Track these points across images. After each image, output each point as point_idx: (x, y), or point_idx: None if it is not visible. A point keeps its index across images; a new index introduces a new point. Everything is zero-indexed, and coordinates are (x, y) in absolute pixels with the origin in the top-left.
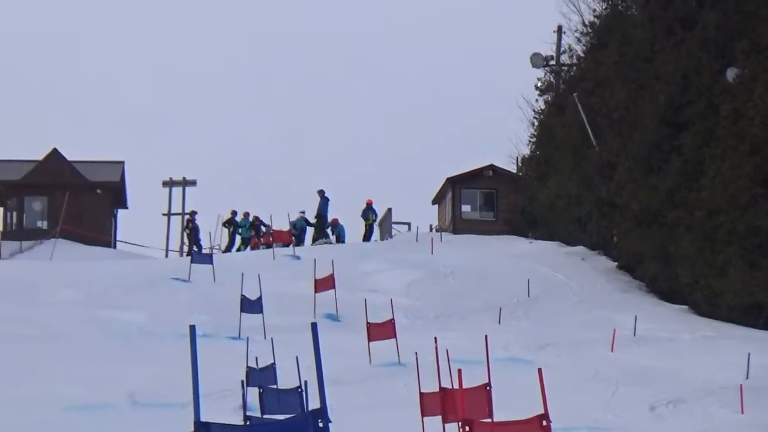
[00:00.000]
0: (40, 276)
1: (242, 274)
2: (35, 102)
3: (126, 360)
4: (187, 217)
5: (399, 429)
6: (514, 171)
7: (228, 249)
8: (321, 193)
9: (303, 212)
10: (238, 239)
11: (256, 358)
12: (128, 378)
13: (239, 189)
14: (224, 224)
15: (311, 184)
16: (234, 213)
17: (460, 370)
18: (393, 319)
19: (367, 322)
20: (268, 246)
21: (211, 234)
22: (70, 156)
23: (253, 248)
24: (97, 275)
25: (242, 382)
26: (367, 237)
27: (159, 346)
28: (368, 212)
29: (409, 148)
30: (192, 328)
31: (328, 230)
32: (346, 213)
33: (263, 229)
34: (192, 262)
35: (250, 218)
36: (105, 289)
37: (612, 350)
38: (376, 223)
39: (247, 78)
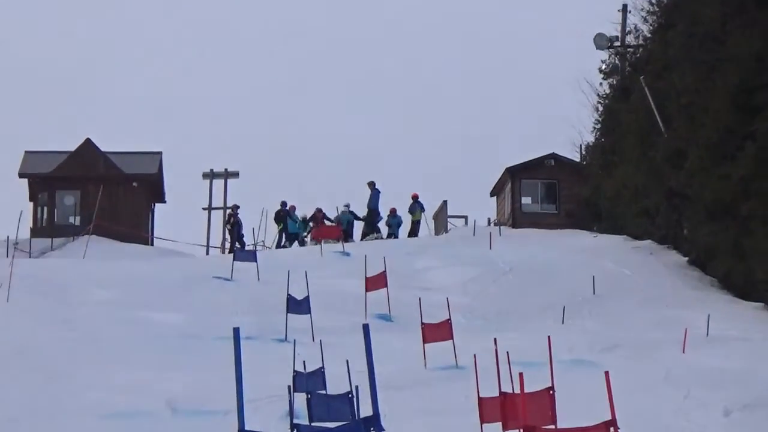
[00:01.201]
0: (73, 275)
1: (288, 272)
2: (67, 90)
3: (165, 365)
4: (229, 211)
5: None
6: (578, 160)
7: (281, 244)
8: (371, 185)
9: (347, 206)
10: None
11: (304, 362)
12: (167, 384)
13: (285, 181)
14: (276, 217)
15: (360, 175)
16: (284, 204)
17: (521, 374)
18: (449, 319)
19: (422, 323)
20: (317, 242)
21: (255, 230)
22: (104, 147)
23: (301, 244)
24: (134, 274)
25: (289, 387)
26: (413, 233)
27: (200, 349)
28: (415, 207)
29: (466, 136)
30: (236, 331)
31: (380, 224)
32: (393, 207)
33: (324, 222)
34: (235, 259)
35: (297, 212)
36: (142, 289)
37: (683, 351)
38: (424, 217)
39: (290, 62)
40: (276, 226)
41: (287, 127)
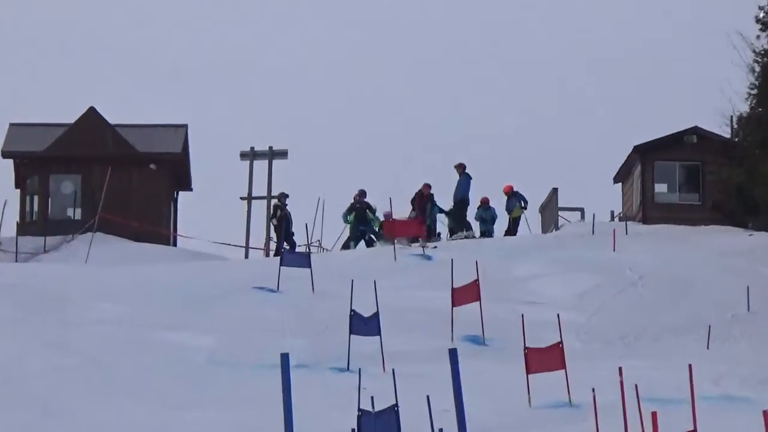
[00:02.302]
0: (73, 285)
1: (352, 281)
2: (64, 47)
3: (189, 401)
4: (275, 202)
5: None
6: (727, 135)
7: (348, 244)
8: (461, 168)
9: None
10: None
11: (372, 398)
12: (193, 426)
13: (346, 164)
14: (350, 210)
15: (441, 158)
16: (363, 195)
17: (654, 414)
18: (561, 342)
19: (525, 347)
20: (388, 241)
21: (308, 225)
22: (112, 118)
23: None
24: (150, 283)
25: (352, 431)
26: (511, 232)
27: (235, 381)
28: (513, 202)
29: (582, 106)
30: (284, 357)
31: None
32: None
33: (375, 220)
34: (282, 264)
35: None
36: (160, 302)
37: None
38: (524, 214)
39: (354, 17)
40: (345, 222)
41: (351, 98)
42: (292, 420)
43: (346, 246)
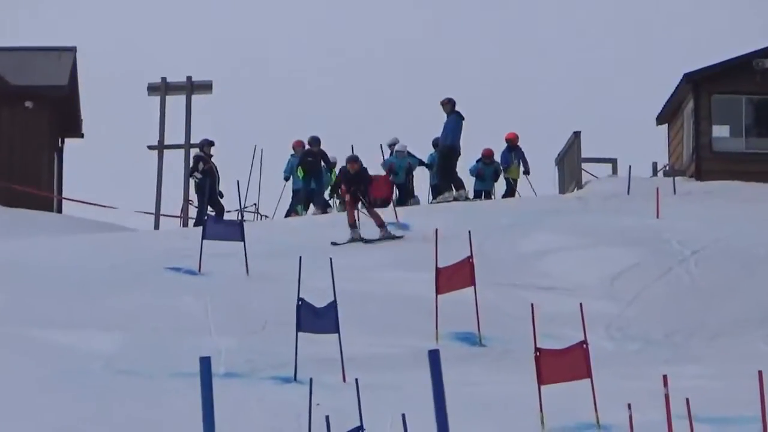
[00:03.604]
0: None
1: (300, 259)
2: None
3: (82, 422)
4: (195, 152)
5: None
6: None
7: (292, 211)
8: (449, 105)
9: (397, 143)
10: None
11: (327, 419)
12: None
13: (288, 100)
14: (301, 162)
15: (422, 92)
16: (316, 142)
17: None
18: (585, 341)
19: (536, 349)
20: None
21: (240, 183)
22: None
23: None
24: (29, 265)
25: None
26: (509, 193)
27: (142, 396)
28: (509, 156)
29: (610, 23)
30: (204, 363)
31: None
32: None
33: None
34: (205, 237)
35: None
36: (42, 290)
37: None
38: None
39: None
40: (295, 178)
41: (298, 7)
42: None
43: (291, 212)
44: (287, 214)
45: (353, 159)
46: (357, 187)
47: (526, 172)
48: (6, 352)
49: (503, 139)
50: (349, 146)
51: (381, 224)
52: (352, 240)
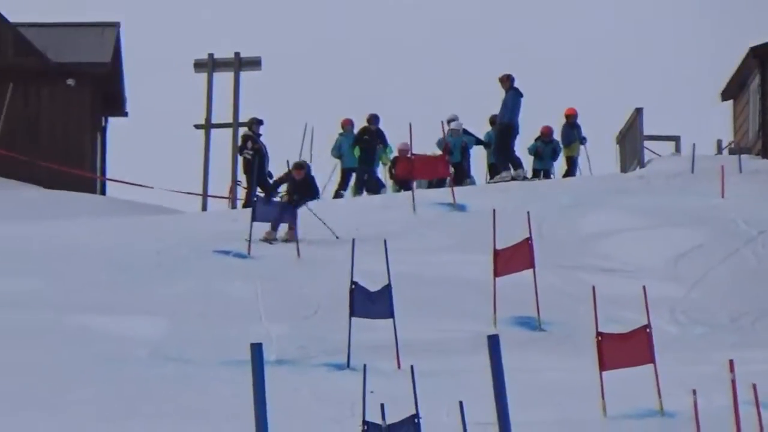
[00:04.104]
0: None
1: (353, 242)
2: None
3: (127, 411)
4: (244, 131)
5: None
6: None
7: (342, 188)
8: (507, 82)
9: (456, 121)
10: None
11: (382, 406)
12: None
13: (340, 76)
14: (356, 140)
15: (478, 71)
16: (375, 120)
17: None
18: (648, 325)
19: (598, 333)
20: (402, 185)
21: (290, 164)
22: (14, 15)
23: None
24: (69, 248)
25: None
26: (569, 173)
27: (193, 384)
28: (571, 133)
29: None
30: (256, 349)
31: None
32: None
33: (390, 152)
34: (255, 219)
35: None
36: (85, 275)
37: None
38: (584, 151)
39: None
40: (348, 157)
41: None
42: None
43: (339, 194)
44: (335, 195)
45: (299, 166)
46: (300, 195)
47: (584, 142)
48: (48, 339)
49: (562, 115)
50: (406, 124)
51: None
52: (266, 240)
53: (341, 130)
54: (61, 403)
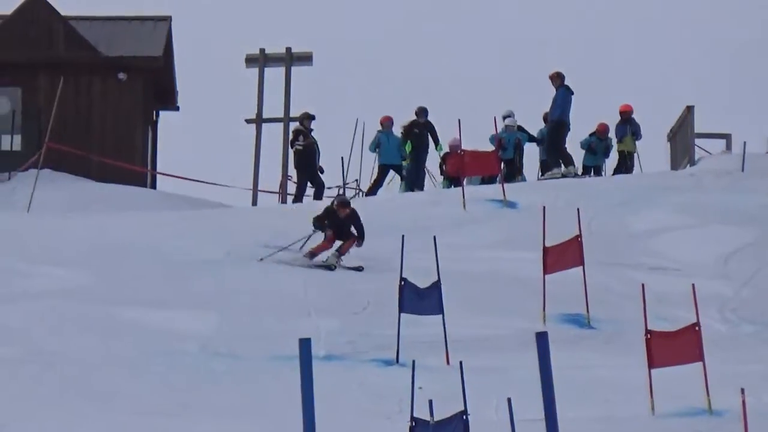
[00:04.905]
0: (10, 242)
1: (403, 237)
2: None
3: (177, 406)
4: (295, 125)
5: None
6: None
7: (379, 185)
8: (559, 79)
9: (511, 117)
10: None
11: (430, 402)
12: None
13: (391, 72)
14: (406, 133)
15: (528, 70)
16: (424, 113)
17: None
18: (697, 323)
19: (647, 331)
20: (453, 181)
21: (344, 159)
22: (65, 8)
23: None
24: (120, 242)
25: None
26: (624, 169)
27: (239, 379)
28: (625, 129)
29: None
30: (304, 344)
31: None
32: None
33: (441, 149)
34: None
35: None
36: (135, 269)
37: None
38: (638, 148)
39: None
40: (387, 152)
41: None
42: (314, 431)
43: (374, 191)
44: (369, 192)
45: (345, 204)
46: (341, 231)
47: (638, 137)
48: (96, 333)
49: (617, 112)
50: (455, 120)
51: (343, 253)
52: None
53: (380, 127)
54: (112, 396)
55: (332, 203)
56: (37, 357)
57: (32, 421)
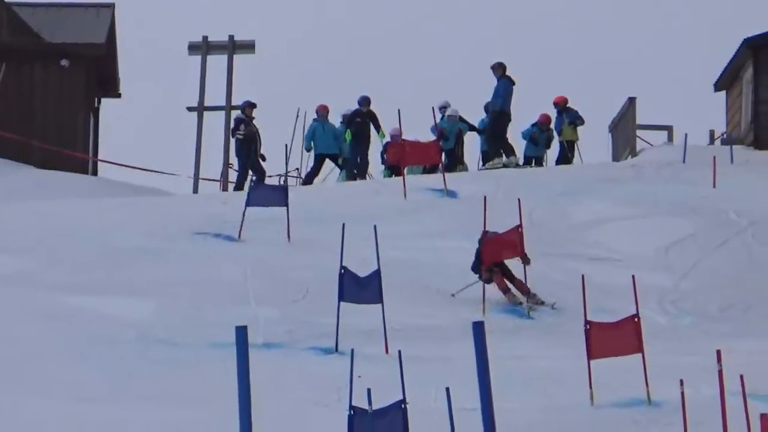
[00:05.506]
0: None
1: (343, 226)
2: None
3: (114, 394)
4: (237, 113)
5: None
6: None
7: (315, 174)
8: (499, 69)
9: (448, 108)
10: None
11: (369, 391)
12: (119, 429)
13: (333, 61)
14: (349, 121)
15: (471, 59)
16: (366, 101)
17: (765, 417)
18: (636, 314)
19: (587, 322)
20: (393, 171)
21: (288, 147)
22: None
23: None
24: (62, 228)
25: None
26: (565, 159)
27: (178, 367)
28: (561, 119)
29: None
30: (240, 332)
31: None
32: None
33: (383, 137)
34: (249, 203)
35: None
36: (75, 255)
37: None
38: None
39: None
40: (323, 142)
41: None
42: (249, 421)
43: (309, 179)
44: (305, 181)
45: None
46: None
47: (579, 124)
48: (35, 317)
49: (552, 102)
50: (395, 110)
51: (527, 292)
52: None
53: (315, 116)
54: (49, 382)
55: (482, 240)
56: None
57: None
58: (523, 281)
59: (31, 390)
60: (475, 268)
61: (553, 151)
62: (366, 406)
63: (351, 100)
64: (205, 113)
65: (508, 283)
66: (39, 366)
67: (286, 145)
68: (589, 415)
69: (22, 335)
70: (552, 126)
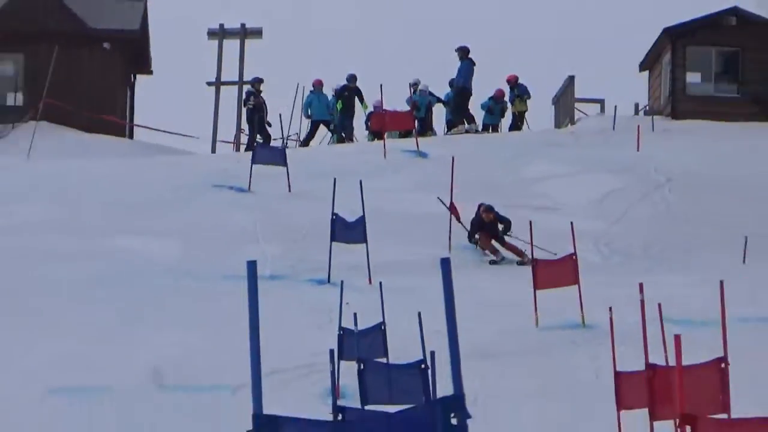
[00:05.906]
0: (10, 183)
1: (334, 180)
2: None
3: (147, 318)
4: (247, 88)
5: (582, 429)
6: None
7: (311, 137)
8: (463, 52)
9: (419, 84)
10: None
11: (355, 315)
12: (152, 347)
13: (328, 45)
14: (339, 95)
15: (440, 43)
16: (353, 79)
17: (678, 337)
18: (574, 254)
19: (533, 259)
20: (376, 135)
21: (283, 116)
22: None
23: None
24: (101, 181)
25: (332, 352)
26: (516, 127)
27: (201, 294)
28: (513, 94)
29: None
30: (250, 266)
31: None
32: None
33: (367, 108)
34: (254, 161)
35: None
36: (114, 203)
37: None
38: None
39: None
40: (318, 110)
41: None
42: (258, 338)
43: (306, 142)
44: (303, 143)
45: (489, 209)
46: (490, 231)
47: (527, 97)
48: (76, 260)
49: (505, 80)
50: (378, 85)
51: (520, 254)
52: (493, 262)
53: (312, 89)
54: (92, 307)
55: (477, 213)
56: (24, 277)
57: (10, 335)
58: (516, 248)
59: (76, 311)
60: (470, 237)
61: (506, 120)
62: (353, 327)
63: (341, 76)
64: (222, 87)
65: (495, 244)
66: (82, 291)
67: (280, 115)
68: (535, 335)
69: (67, 269)
70: (506, 99)
